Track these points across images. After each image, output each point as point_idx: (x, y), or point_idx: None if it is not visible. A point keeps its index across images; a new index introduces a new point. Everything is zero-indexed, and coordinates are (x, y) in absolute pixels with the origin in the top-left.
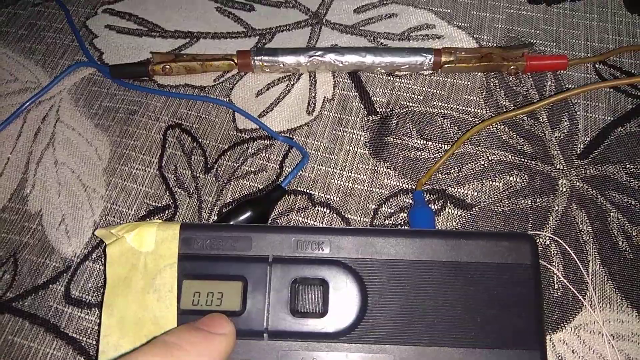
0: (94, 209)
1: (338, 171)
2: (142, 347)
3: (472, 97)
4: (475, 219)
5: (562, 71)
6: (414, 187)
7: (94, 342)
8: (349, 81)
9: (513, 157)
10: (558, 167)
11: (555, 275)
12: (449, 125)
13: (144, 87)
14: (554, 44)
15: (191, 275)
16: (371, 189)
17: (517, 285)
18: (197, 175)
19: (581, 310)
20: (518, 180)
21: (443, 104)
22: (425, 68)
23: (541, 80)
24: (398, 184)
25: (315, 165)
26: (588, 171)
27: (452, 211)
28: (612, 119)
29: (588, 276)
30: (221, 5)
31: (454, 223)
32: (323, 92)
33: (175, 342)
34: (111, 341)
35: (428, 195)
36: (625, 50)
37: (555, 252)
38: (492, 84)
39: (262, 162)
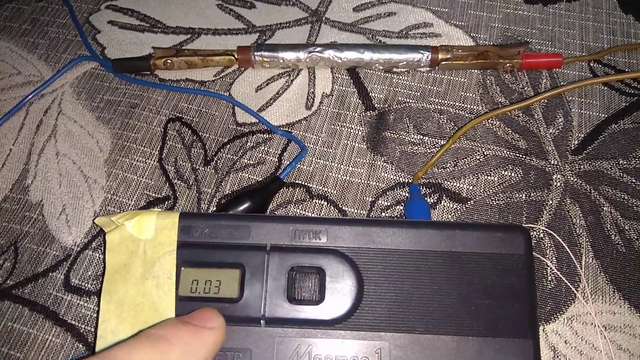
0: (95, 200)
1: (336, 165)
2: (130, 339)
3: (468, 94)
4: (470, 212)
5: (557, 69)
6: (410, 181)
7: (93, 329)
8: (347, 77)
9: (508, 152)
10: (552, 162)
11: (548, 268)
12: (445, 120)
13: (145, 81)
14: (550, 42)
15: (190, 262)
16: (368, 182)
17: (510, 275)
18: (197, 167)
19: (574, 302)
20: (513, 174)
21: (440, 100)
22: (422, 65)
23: (536, 78)
24: (395, 177)
25: (314, 159)
26: (582, 166)
27: (448, 204)
28: (605, 116)
29: (581, 268)
30: (222, 2)
31: (450, 216)
32: (322, 88)
33: (163, 336)
34: (109, 327)
35: (424, 188)
36: (619, 50)
37: (549, 245)
38: (488, 81)
39: (261, 155)
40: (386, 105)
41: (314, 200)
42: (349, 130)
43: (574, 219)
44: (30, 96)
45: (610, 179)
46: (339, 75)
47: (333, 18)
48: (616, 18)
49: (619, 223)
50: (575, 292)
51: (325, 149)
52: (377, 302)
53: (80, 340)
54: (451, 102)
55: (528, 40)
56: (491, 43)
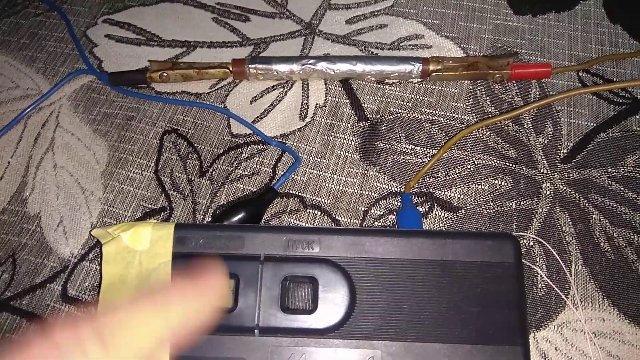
0: (92, 211)
1: (329, 175)
2: None
3: (459, 104)
4: (461, 220)
5: (546, 79)
6: (402, 190)
7: None
8: (340, 88)
9: (498, 162)
10: (542, 171)
11: (539, 275)
12: (436, 130)
13: (141, 94)
14: (539, 53)
15: None
16: (361, 191)
17: (500, 283)
18: (192, 178)
19: (564, 309)
20: (503, 183)
21: (431, 111)
22: (414, 76)
23: (526, 88)
24: (387, 187)
25: (307, 169)
26: (571, 175)
27: (439, 213)
28: (594, 125)
29: (571, 276)
30: (217, 15)
31: (441, 225)
32: (315, 99)
33: None
34: None
35: (416, 197)
36: (608, 59)
37: (539, 252)
38: (478, 92)
39: (255, 166)
40: (378, 116)
41: (307, 210)
42: (342, 140)
43: (564, 227)
44: (29, 109)
45: (599, 187)
46: (332, 87)
47: (326, 30)
48: (604, 28)
49: (607, 230)
50: (565, 299)
51: (319, 160)
52: (370, 311)
53: None
54: (442, 113)
55: (517, 50)
56: (481, 54)
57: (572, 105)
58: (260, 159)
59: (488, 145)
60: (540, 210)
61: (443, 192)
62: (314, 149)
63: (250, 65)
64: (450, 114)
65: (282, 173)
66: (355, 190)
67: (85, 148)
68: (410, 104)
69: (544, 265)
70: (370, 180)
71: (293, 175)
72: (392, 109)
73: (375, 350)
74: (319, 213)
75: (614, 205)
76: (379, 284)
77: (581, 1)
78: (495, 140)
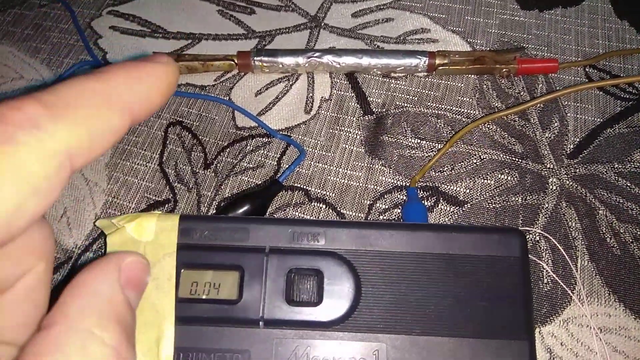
0: (96, 202)
1: (334, 168)
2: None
3: (465, 99)
4: (467, 215)
5: (553, 74)
6: (408, 184)
7: None
8: (346, 82)
9: (504, 156)
10: (548, 166)
11: (544, 270)
12: (442, 125)
13: None
14: (546, 48)
15: (189, 264)
16: (366, 185)
17: (506, 278)
18: (197, 170)
19: (570, 304)
20: (509, 178)
21: (437, 105)
22: (419, 70)
23: (532, 83)
24: (392, 181)
25: (312, 163)
26: (577, 170)
27: (445, 207)
28: (601, 120)
29: (577, 271)
30: (222, 8)
31: (447, 219)
32: (321, 92)
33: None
34: None
35: (421, 191)
36: (614, 55)
37: (545, 247)
38: (484, 86)
39: (260, 158)
40: (384, 110)
41: (312, 203)
42: (347, 134)
43: (570, 222)
44: None
45: (605, 182)
46: (338, 80)
47: (332, 24)
48: (611, 24)
49: (614, 226)
50: (571, 294)
51: (324, 153)
52: (375, 304)
53: None
54: (448, 107)
55: (524, 45)
56: (488, 48)
57: (578, 100)
58: (265, 152)
59: (494, 140)
60: (547, 206)
61: (449, 187)
62: (319, 142)
63: (255, 58)
64: (456, 108)
65: (287, 166)
66: (361, 184)
67: None
68: (416, 98)
69: (549, 261)
70: (375, 174)
71: (298, 169)
72: (397, 103)
73: (380, 344)
74: (324, 206)
75: (621, 201)
76: (385, 277)
77: None
78: (502, 134)
